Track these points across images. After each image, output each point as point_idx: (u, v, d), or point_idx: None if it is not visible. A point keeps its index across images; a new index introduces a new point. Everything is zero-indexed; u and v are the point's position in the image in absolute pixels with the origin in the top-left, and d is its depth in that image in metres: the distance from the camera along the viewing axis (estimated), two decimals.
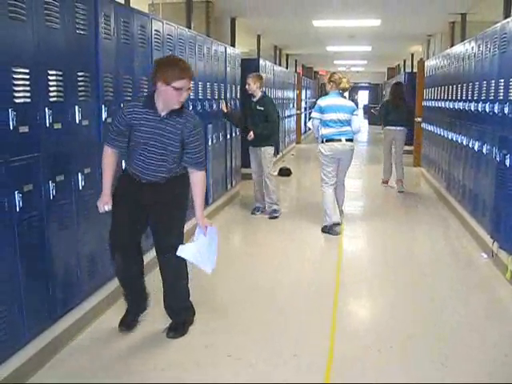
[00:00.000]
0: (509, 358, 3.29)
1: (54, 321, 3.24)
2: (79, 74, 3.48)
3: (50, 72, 3.13)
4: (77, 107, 3.42)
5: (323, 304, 4.08)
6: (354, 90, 39.33)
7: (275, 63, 13.94)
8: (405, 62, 19.65)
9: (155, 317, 3.64)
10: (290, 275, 4.73)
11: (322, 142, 6.10)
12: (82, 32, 3.49)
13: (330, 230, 6.08)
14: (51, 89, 3.14)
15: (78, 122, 3.44)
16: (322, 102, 6.17)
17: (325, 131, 6.06)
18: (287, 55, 18.20)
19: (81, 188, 3.48)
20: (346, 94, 6.59)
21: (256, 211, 7.00)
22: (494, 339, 3.51)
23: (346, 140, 6.05)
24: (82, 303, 3.56)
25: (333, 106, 6.06)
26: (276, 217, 6.80)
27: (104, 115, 3.79)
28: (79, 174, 3.47)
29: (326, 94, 6.39)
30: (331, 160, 6.11)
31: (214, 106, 6.70)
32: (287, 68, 17.18)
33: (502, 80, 4.89)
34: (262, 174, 6.78)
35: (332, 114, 6.03)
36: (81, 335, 3.44)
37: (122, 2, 5.87)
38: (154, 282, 3.77)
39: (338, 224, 6.12)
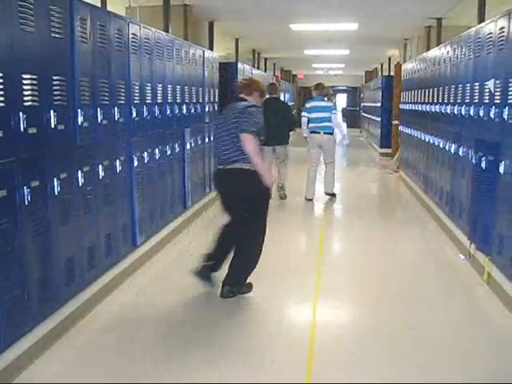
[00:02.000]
0: (486, 358, 3.32)
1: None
2: (55, 77, 3.42)
3: (25, 76, 3.08)
4: (52, 111, 3.37)
5: (302, 309, 4.08)
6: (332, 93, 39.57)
7: (253, 67, 13.94)
8: (382, 65, 19.81)
9: None
10: (270, 280, 4.72)
11: (309, 133, 8.22)
12: (57, 35, 3.44)
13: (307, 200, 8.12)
14: (26, 93, 3.08)
15: (53, 126, 3.38)
16: (308, 104, 8.38)
17: (310, 125, 8.19)
18: (265, 59, 18.23)
19: (56, 193, 3.42)
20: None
21: None
22: (472, 340, 3.55)
23: (324, 133, 8.08)
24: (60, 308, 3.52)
25: (316, 107, 8.16)
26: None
27: (80, 119, 3.73)
28: (55, 180, 3.41)
29: (312, 97, 8.43)
30: (313, 146, 8.21)
31: (192, 110, 6.67)
32: (266, 71, 17.21)
33: (477, 83, 4.96)
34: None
35: (315, 114, 8.11)
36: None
37: (99, 5, 5.82)
38: None
39: (311, 200, 8.11)
